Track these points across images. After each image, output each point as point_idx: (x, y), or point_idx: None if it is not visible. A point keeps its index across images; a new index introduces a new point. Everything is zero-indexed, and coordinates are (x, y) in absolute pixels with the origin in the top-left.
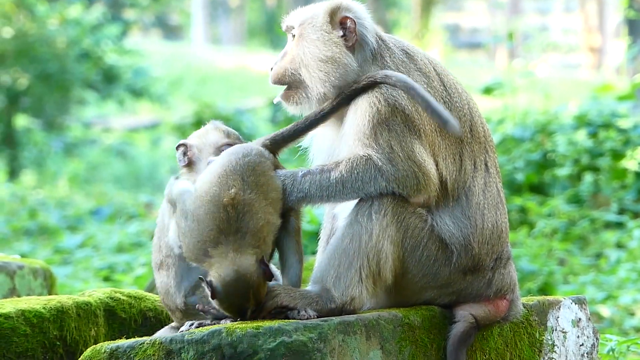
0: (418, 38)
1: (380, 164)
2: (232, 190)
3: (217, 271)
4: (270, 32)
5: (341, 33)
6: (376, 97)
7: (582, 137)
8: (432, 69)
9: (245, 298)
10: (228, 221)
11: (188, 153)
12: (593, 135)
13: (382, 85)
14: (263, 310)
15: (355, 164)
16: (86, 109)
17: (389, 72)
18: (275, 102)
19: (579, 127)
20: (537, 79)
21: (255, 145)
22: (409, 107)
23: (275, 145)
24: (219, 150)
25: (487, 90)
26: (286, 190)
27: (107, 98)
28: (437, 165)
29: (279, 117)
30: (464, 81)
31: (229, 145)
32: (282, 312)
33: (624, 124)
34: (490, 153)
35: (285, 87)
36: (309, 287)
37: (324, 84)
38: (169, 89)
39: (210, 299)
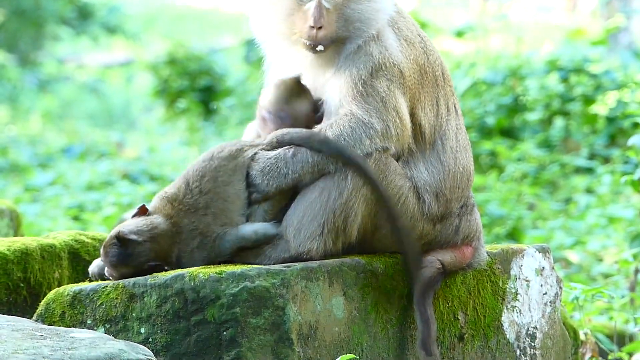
0: None
1: (366, 119)
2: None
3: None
4: None
5: None
6: (375, 51)
7: (553, 81)
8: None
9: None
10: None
11: None
12: (564, 80)
13: (379, 43)
14: None
15: (342, 129)
16: (60, 45)
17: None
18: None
19: (550, 71)
20: (511, 22)
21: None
22: (404, 64)
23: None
24: None
25: (459, 34)
26: (280, 174)
27: (81, 34)
28: (416, 115)
29: (252, 57)
30: (438, 23)
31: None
32: None
33: (595, 69)
34: (455, 95)
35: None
36: None
37: None
38: (143, 26)
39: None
